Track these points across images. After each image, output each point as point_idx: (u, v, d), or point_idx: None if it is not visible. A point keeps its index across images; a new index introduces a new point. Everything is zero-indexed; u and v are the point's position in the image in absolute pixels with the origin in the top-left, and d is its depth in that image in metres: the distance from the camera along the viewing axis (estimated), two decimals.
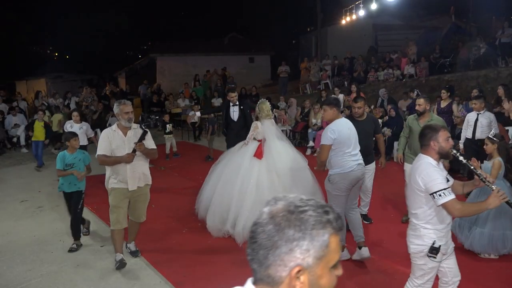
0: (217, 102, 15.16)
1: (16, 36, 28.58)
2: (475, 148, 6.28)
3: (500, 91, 7.85)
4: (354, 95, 11.52)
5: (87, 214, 6.17)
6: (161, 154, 9.80)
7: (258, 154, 5.24)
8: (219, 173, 5.44)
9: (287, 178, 5.11)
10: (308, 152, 9.98)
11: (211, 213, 5.16)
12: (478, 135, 6.27)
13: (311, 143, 10.21)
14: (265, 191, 4.94)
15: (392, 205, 6.21)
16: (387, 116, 9.60)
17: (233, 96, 7.17)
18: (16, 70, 26.89)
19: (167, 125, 10.06)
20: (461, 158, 2.92)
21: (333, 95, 3.84)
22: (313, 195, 5.29)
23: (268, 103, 5.60)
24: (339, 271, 1.09)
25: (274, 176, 5.10)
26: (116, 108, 4.32)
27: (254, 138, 5.42)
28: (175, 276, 4.14)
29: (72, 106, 13.63)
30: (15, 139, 11.49)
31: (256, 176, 5.08)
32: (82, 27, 30.10)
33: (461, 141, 6.75)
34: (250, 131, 5.50)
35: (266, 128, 5.40)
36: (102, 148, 4.26)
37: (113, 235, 4.40)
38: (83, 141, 7.24)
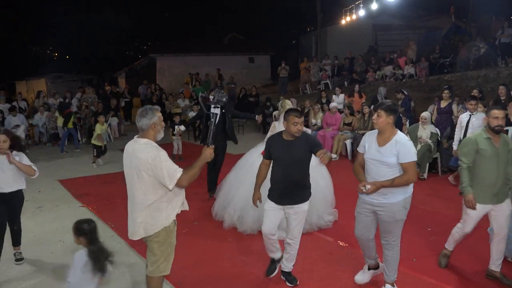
0: None
1: (16, 36, 28.58)
2: None
3: (503, 91, 7.84)
4: (357, 94, 11.57)
5: (87, 213, 6.17)
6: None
7: (263, 151, 5.48)
8: (235, 167, 5.98)
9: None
10: None
11: (218, 199, 5.75)
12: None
13: None
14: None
15: None
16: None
17: None
18: (16, 70, 26.93)
19: (176, 126, 9.74)
20: None
21: (388, 100, 3.46)
22: (321, 196, 5.30)
23: (289, 102, 5.88)
24: None
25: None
26: (151, 117, 3.10)
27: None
28: (175, 276, 4.13)
29: (73, 106, 13.64)
30: None
31: (252, 171, 5.38)
32: (82, 27, 30.14)
33: (455, 143, 6.67)
34: (269, 131, 5.86)
35: (280, 124, 5.55)
36: (176, 166, 3.05)
37: (158, 283, 3.31)
38: (18, 183, 4.36)
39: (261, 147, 5.76)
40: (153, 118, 3.10)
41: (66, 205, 6.60)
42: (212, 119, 3.48)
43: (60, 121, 11.93)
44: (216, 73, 19.11)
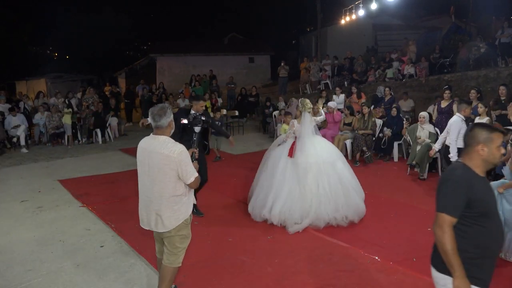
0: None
1: (16, 36, 28.56)
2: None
3: (503, 91, 7.84)
4: (354, 95, 11.55)
5: (87, 213, 6.18)
6: None
7: (290, 153, 5.76)
8: (264, 167, 5.95)
9: (318, 172, 5.48)
10: None
11: (253, 201, 5.74)
12: None
13: None
14: (295, 183, 5.49)
15: (391, 205, 6.21)
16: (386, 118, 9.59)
17: (202, 106, 5.78)
18: (16, 70, 26.89)
19: None
20: None
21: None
22: (350, 188, 5.50)
23: (309, 100, 6.02)
24: None
25: (302, 170, 5.50)
26: (170, 115, 3.33)
27: (293, 135, 5.90)
28: (175, 276, 4.14)
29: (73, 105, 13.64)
30: (15, 139, 11.48)
31: (289, 173, 5.59)
32: (82, 27, 30.13)
33: (454, 152, 5.89)
34: (289, 129, 5.97)
35: (305, 122, 5.77)
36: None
37: (174, 273, 3.56)
38: None
39: (282, 148, 5.91)
40: (171, 115, 3.31)
41: (66, 205, 6.60)
42: (194, 138, 3.65)
43: (67, 118, 11.94)
44: (210, 74, 18.96)
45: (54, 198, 7.00)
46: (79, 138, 12.58)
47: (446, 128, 6.26)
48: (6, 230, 5.59)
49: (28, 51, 33.27)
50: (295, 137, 5.82)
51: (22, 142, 11.37)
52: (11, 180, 8.36)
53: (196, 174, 3.32)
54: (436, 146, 6.62)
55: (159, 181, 3.24)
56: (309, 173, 5.49)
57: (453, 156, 5.92)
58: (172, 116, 3.32)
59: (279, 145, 6.09)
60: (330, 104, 10.03)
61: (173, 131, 3.38)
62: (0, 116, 11.54)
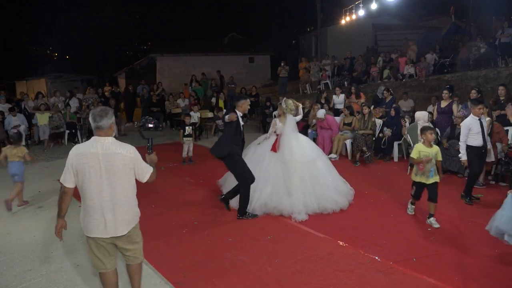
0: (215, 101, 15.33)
1: (16, 36, 28.59)
2: (481, 156, 5.99)
3: (502, 91, 7.84)
4: (353, 95, 11.55)
5: None
6: (176, 155, 9.76)
7: (273, 148, 6.14)
8: (248, 162, 6.10)
9: (301, 168, 5.93)
10: None
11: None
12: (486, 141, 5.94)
13: None
14: (280, 178, 5.91)
15: (391, 205, 6.21)
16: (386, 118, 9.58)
17: (249, 104, 5.96)
18: (16, 70, 26.91)
19: (187, 127, 9.27)
20: None
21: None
22: (325, 185, 5.89)
23: (291, 101, 6.33)
24: None
25: (288, 166, 5.93)
26: (111, 116, 3.28)
27: (275, 133, 6.29)
28: (175, 276, 4.14)
29: (73, 105, 13.65)
30: None
31: (273, 166, 6.00)
32: (82, 27, 30.15)
33: (463, 152, 6.03)
34: (271, 127, 6.33)
35: (287, 122, 6.15)
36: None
37: (141, 267, 3.58)
38: None
39: (265, 143, 6.30)
40: (112, 117, 3.27)
41: None
42: (148, 144, 3.63)
43: (42, 118, 11.81)
44: (217, 74, 18.90)
45: (54, 198, 6.99)
46: (79, 138, 12.57)
47: (462, 130, 6.08)
48: (6, 230, 5.59)
49: (28, 51, 33.29)
50: (277, 135, 6.22)
51: (22, 142, 11.35)
52: (11, 180, 8.34)
53: (151, 169, 3.35)
54: (463, 156, 6.15)
55: (122, 182, 3.17)
56: (295, 169, 5.90)
57: (462, 155, 6.11)
58: (113, 118, 3.25)
59: (259, 143, 6.46)
60: (319, 114, 9.52)
61: (114, 133, 3.29)
62: (0, 116, 11.54)
